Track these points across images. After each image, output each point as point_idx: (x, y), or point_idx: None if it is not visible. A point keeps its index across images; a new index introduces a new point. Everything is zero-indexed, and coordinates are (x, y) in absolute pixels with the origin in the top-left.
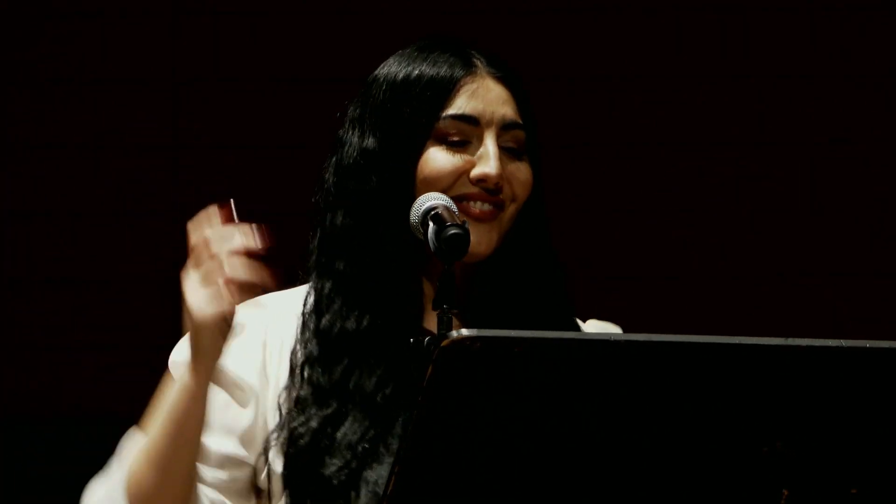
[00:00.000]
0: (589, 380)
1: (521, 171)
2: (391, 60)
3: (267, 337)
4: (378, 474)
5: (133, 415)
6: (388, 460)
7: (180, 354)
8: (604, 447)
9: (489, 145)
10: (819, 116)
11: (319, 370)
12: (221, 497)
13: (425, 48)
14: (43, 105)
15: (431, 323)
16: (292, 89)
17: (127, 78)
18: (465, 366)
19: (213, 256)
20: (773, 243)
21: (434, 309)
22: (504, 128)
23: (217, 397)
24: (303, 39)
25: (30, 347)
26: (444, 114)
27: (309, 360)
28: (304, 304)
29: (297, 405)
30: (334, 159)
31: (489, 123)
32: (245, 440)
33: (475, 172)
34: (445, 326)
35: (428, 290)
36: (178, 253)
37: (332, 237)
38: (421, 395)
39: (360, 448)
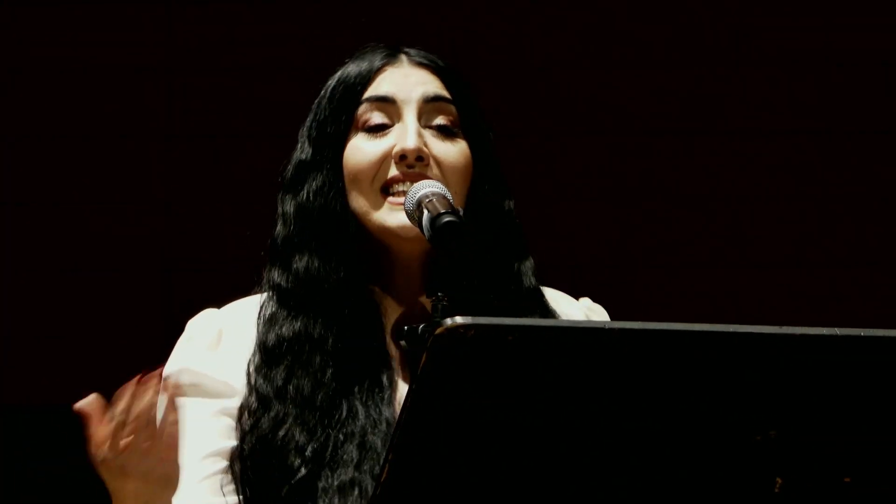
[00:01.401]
0: (582, 368)
1: (451, 152)
2: (335, 71)
3: (242, 345)
4: (337, 483)
5: None
6: (350, 469)
7: (174, 366)
8: (597, 435)
9: (408, 121)
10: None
11: (262, 378)
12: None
13: (361, 51)
14: (32, 96)
15: (398, 316)
16: (291, 78)
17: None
18: (459, 353)
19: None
20: (771, 233)
21: (428, 297)
22: (427, 102)
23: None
24: (296, 28)
25: (29, 336)
26: (362, 98)
27: (257, 370)
28: (258, 319)
29: (249, 416)
30: (281, 182)
31: (407, 101)
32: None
33: (395, 150)
34: (439, 314)
35: (383, 288)
36: (173, 246)
37: (272, 250)
38: (415, 383)
39: (308, 451)
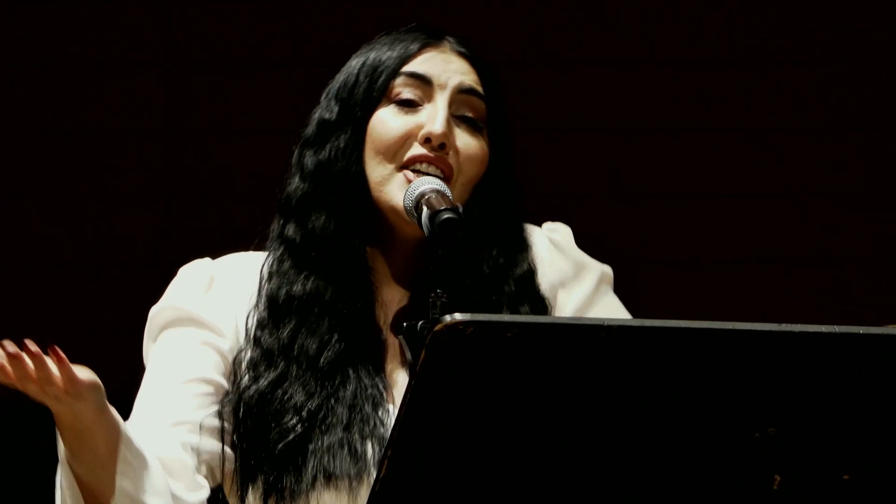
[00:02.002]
0: (581, 364)
1: (472, 146)
2: (366, 45)
3: (234, 294)
4: (327, 443)
5: (127, 402)
6: (339, 430)
7: (160, 305)
8: (596, 432)
9: (439, 105)
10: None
11: (267, 333)
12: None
13: (400, 30)
14: (31, 92)
15: (390, 295)
16: (288, 73)
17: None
18: (458, 350)
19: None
20: (776, 230)
21: (428, 293)
22: (460, 92)
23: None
24: (295, 22)
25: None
26: (399, 71)
27: (260, 324)
28: (262, 270)
29: (248, 368)
30: (299, 138)
31: (442, 86)
32: (222, 373)
33: (422, 132)
34: (438, 310)
35: (380, 263)
36: (168, 239)
37: (285, 204)
38: (413, 379)
39: (305, 411)
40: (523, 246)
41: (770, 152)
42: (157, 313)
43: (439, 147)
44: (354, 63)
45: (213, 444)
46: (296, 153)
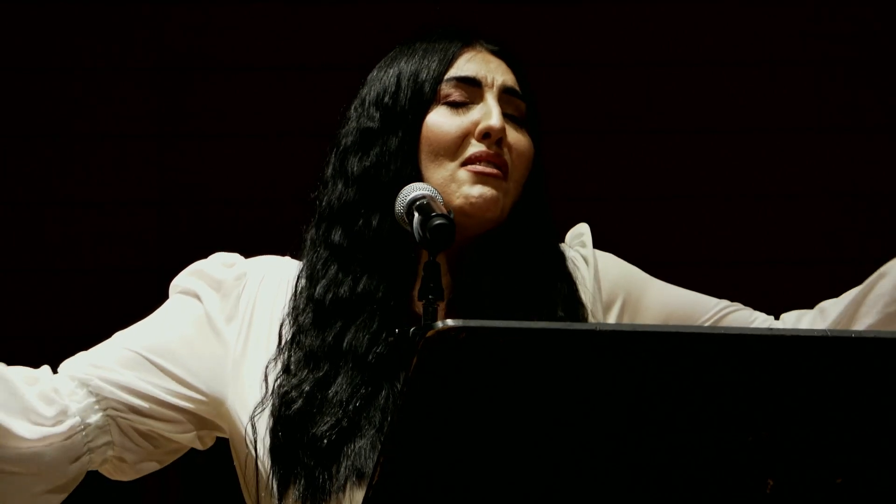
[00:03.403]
0: (574, 370)
1: (522, 142)
2: (392, 51)
3: (258, 297)
4: (359, 445)
5: None
6: (371, 433)
7: (181, 279)
8: (589, 437)
9: (491, 103)
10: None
11: (312, 335)
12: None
13: (424, 33)
14: (22, 96)
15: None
16: (292, 77)
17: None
18: (450, 356)
19: None
20: (774, 230)
21: (419, 300)
22: (504, 92)
23: (180, 329)
24: (302, 27)
25: (18, 336)
26: (446, 76)
27: (302, 329)
28: (298, 278)
29: (286, 372)
30: (335, 145)
31: (490, 85)
32: (195, 373)
33: (480, 127)
34: (430, 316)
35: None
36: (162, 244)
37: (329, 211)
38: (405, 386)
39: (351, 406)
40: (560, 254)
41: (782, 153)
42: (178, 280)
43: (497, 143)
44: (390, 72)
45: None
46: (333, 162)
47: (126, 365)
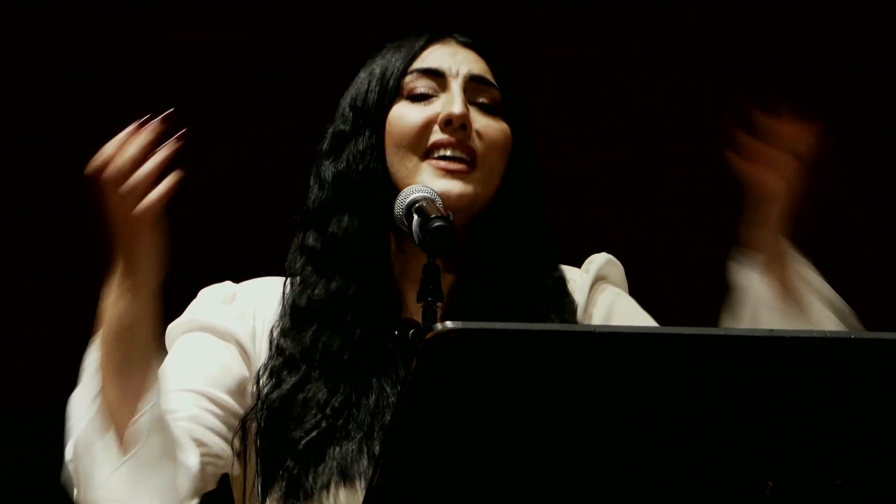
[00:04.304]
0: (573, 371)
1: (493, 128)
2: (372, 57)
3: (256, 311)
4: (346, 448)
5: None
6: (359, 437)
7: (178, 322)
8: (587, 438)
9: (455, 91)
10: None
11: (291, 339)
12: (202, 432)
13: (405, 33)
14: (17, 100)
15: (412, 305)
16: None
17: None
18: (450, 358)
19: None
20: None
21: (418, 301)
22: (472, 80)
23: (211, 347)
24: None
25: (14, 341)
26: (409, 69)
27: (283, 332)
28: (284, 288)
29: (271, 377)
30: (315, 152)
31: (455, 75)
32: (233, 390)
33: (441, 115)
34: (430, 318)
35: (410, 268)
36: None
37: (306, 216)
38: (405, 388)
39: (329, 408)
40: (551, 247)
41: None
42: (176, 325)
43: (461, 128)
44: (363, 75)
45: (219, 447)
46: (314, 169)
47: (200, 405)
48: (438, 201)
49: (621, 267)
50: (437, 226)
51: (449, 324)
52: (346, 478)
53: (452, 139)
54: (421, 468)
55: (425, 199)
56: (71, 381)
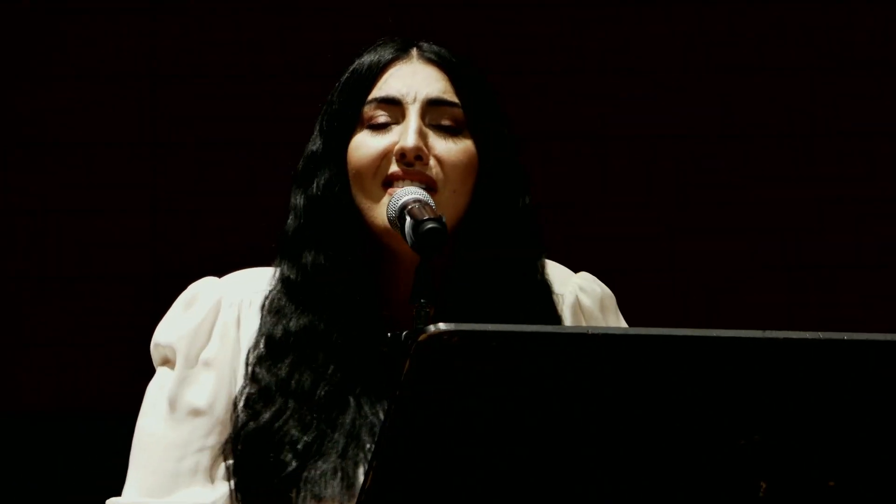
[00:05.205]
0: (566, 373)
1: (453, 151)
2: (347, 65)
3: (241, 317)
4: (320, 470)
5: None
6: (333, 457)
7: (162, 336)
8: (581, 440)
9: (410, 120)
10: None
11: (265, 370)
12: None
13: (375, 44)
14: (34, 104)
15: (401, 312)
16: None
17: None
18: (443, 360)
19: None
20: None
21: (411, 303)
22: (430, 104)
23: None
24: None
25: (35, 344)
26: (367, 98)
27: (259, 361)
28: (263, 306)
29: (245, 406)
30: (293, 172)
31: (412, 101)
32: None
33: (396, 148)
34: (422, 321)
35: (391, 288)
36: (159, 250)
37: (280, 243)
38: (398, 390)
39: (300, 445)
40: (534, 248)
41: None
42: (156, 347)
43: (416, 159)
44: (337, 86)
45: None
46: (292, 190)
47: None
48: (431, 203)
49: (613, 297)
50: (430, 227)
51: (442, 326)
52: (319, 499)
53: (409, 171)
54: (413, 471)
55: (417, 201)
56: (71, 382)
